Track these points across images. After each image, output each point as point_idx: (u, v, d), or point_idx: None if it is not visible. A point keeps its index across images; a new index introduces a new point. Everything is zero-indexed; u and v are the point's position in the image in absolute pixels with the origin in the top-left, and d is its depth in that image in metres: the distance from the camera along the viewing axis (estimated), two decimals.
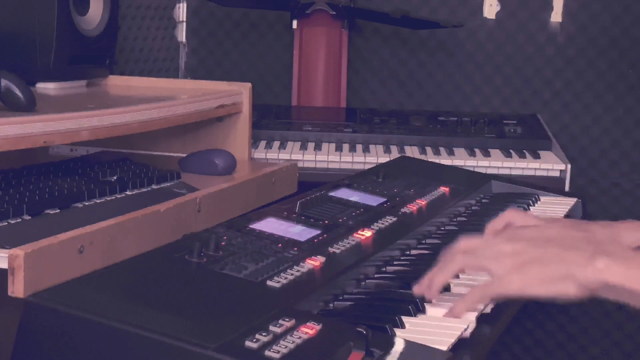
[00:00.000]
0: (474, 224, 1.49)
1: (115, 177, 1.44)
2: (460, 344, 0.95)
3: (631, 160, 2.53)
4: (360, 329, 0.85)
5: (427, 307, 1.03)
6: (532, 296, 0.99)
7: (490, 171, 2.01)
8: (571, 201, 1.69)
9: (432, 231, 1.43)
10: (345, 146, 2.09)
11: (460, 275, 1.17)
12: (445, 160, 2.01)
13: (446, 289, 1.10)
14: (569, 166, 2.02)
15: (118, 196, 1.35)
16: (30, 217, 1.17)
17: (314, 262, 1.11)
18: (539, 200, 1.68)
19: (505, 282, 0.99)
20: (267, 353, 0.82)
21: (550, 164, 2.03)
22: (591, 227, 1.06)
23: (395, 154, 2.04)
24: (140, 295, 0.94)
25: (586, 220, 1.54)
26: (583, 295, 0.98)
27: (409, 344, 0.89)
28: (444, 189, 1.62)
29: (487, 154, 2.08)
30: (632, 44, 2.48)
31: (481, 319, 1.03)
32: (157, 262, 1.06)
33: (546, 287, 0.98)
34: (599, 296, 0.98)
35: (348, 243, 1.21)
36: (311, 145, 2.09)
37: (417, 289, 1.06)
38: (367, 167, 1.87)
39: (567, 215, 1.61)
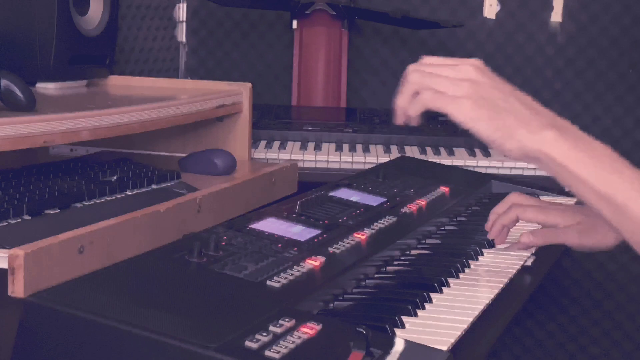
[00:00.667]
0: (474, 224, 1.49)
1: (115, 177, 1.44)
2: (461, 344, 0.95)
3: (631, 160, 2.50)
4: (360, 329, 0.85)
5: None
6: (473, 130, 0.97)
7: (490, 171, 2.01)
8: (571, 201, 1.69)
9: (432, 231, 1.43)
10: (345, 146, 2.09)
11: (461, 276, 1.17)
12: (445, 160, 2.01)
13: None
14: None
15: (118, 196, 1.35)
16: (30, 217, 1.17)
17: (314, 262, 1.11)
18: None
19: (458, 104, 0.97)
20: (267, 353, 0.82)
21: None
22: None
23: (395, 154, 2.04)
24: (140, 295, 0.94)
25: None
26: (517, 157, 0.97)
27: (409, 344, 0.89)
28: (444, 189, 1.63)
29: (487, 154, 2.08)
30: (632, 44, 2.48)
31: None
32: (157, 262, 1.06)
33: (491, 130, 0.96)
34: (531, 162, 0.97)
35: (348, 243, 1.21)
36: (311, 145, 2.09)
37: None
38: (367, 167, 1.87)
39: None
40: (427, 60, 1.04)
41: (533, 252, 1.35)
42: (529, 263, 1.32)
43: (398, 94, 1.04)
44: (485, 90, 0.98)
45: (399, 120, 1.05)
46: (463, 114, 0.97)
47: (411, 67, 1.05)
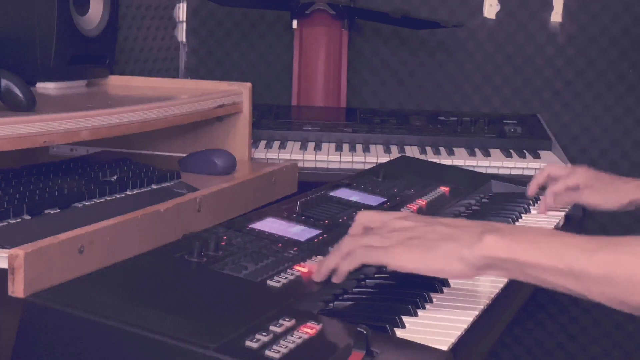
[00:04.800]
0: None
1: (115, 177, 1.44)
2: (461, 344, 0.95)
3: (631, 160, 2.53)
4: (360, 329, 0.85)
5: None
6: (414, 271, 1.00)
7: (490, 171, 2.01)
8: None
9: None
10: (345, 146, 2.09)
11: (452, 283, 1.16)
12: (445, 160, 2.01)
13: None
14: (569, 166, 2.02)
15: (118, 196, 1.35)
16: (30, 217, 1.17)
17: (314, 262, 1.10)
18: (539, 200, 1.68)
19: (391, 253, 1.00)
20: (267, 353, 0.82)
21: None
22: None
23: (395, 154, 2.04)
24: (140, 295, 0.94)
25: (585, 219, 1.56)
26: (469, 274, 0.98)
27: (409, 344, 0.89)
28: (444, 189, 1.62)
29: (487, 154, 2.08)
30: (632, 44, 2.48)
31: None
32: (157, 262, 1.06)
33: (430, 262, 0.99)
34: (487, 274, 0.99)
35: None
36: (311, 145, 2.09)
37: (317, 277, 1.06)
38: (367, 167, 1.87)
39: (567, 215, 1.62)
40: (360, 218, 1.09)
41: None
42: None
43: (327, 258, 1.06)
44: (411, 232, 1.02)
45: (320, 276, 1.06)
46: (397, 259, 1.00)
47: (350, 231, 1.09)
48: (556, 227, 1.52)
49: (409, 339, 0.91)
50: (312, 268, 1.08)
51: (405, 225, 1.03)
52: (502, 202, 1.66)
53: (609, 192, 1.52)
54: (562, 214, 1.60)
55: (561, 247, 0.94)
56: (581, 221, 1.65)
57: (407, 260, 1.00)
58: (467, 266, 0.98)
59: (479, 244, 0.97)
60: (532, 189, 1.65)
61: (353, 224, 1.10)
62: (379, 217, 1.08)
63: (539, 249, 0.95)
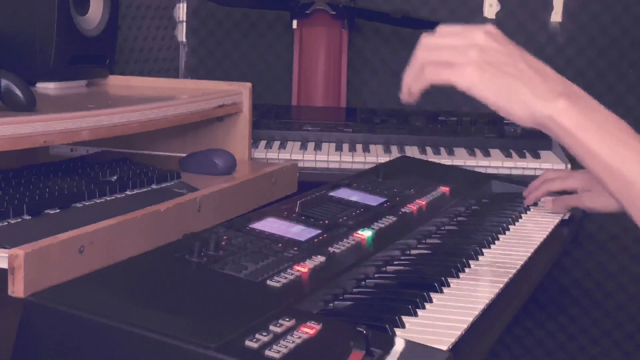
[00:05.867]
0: (474, 224, 1.49)
1: (115, 177, 1.44)
2: (460, 344, 0.95)
3: None
4: (360, 329, 0.85)
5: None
6: (480, 97, 0.94)
7: (490, 171, 2.01)
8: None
9: (432, 231, 1.43)
10: (345, 146, 2.09)
11: (461, 275, 1.17)
12: (445, 160, 2.01)
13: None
14: (569, 166, 2.02)
15: (118, 196, 1.35)
16: (30, 217, 1.17)
17: (314, 262, 1.11)
18: (539, 199, 1.68)
19: (463, 72, 0.94)
20: (268, 353, 0.82)
21: (551, 164, 2.03)
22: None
23: (395, 154, 2.04)
24: (140, 295, 0.94)
25: (587, 221, 1.56)
26: (526, 123, 0.94)
27: (409, 344, 0.89)
28: (444, 189, 1.62)
29: (487, 154, 2.08)
30: (632, 44, 2.48)
31: None
32: (157, 262, 1.06)
33: (498, 97, 0.94)
34: (540, 128, 0.94)
35: (348, 243, 1.21)
36: (311, 145, 2.09)
37: (404, 97, 1.04)
38: (367, 167, 1.87)
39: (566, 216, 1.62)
40: (440, 30, 0.99)
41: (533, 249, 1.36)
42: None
43: (407, 68, 1.01)
44: (491, 55, 0.95)
45: (404, 96, 1.03)
46: (466, 80, 0.94)
47: (422, 40, 1.00)
48: (555, 228, 1.52)
49: (408, 339, 0.91)
50: None
51: (488, 45, 0.95)
52: (502, 202, 1.66)
53: (609, 195, 1.52)
54: (561, 216, 1.60)
55: (627, 150, 0.91)
56: (581, 221, 1.65)
57: (474, 83, 0.93)
58: (530, 117, 0.93)
59: (550, 103, 0.92)
60: (530, 200, 1.65)
61: (429, 34, 1.00)
62: (460, 28, 0.98)
63: (603, 139, 0.91)
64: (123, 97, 1.75)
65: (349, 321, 0.93)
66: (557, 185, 1.60)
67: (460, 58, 0.95)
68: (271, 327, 0.87)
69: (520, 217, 1.56)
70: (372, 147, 2.10)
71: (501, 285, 1.17)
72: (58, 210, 1.22)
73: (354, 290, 1.11)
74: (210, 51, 2.65)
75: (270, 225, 1.24)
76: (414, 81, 1.00)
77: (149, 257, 1.07)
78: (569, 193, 1.61)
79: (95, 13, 1.75)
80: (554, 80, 0.95)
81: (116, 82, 1.84)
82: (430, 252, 1.32)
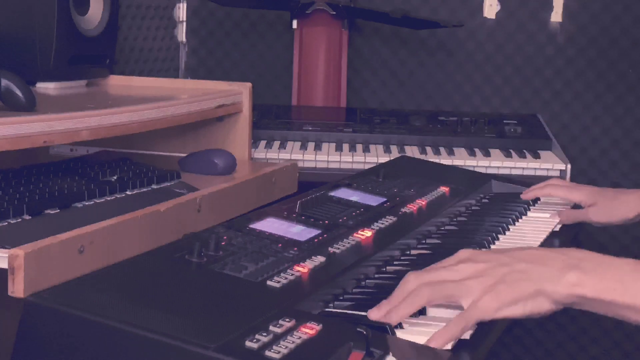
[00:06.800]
0: (474, 224, 1.49)
1: (115, 177, 1.44)
2: (461, 344, 0.95)
3: (631, 160, 2.53)
4: (360, 329, 0.85)
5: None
6: (508, 317, 0.95)
7: (490, 171, 2.01)
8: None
9: (432, 231, 1.43)
10: (345, 146, 2.09)
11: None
12: (445, 160, 2.01)
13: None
14: (569, 166, 2.02)
15: (118, 196, 1.35)
16: (30, 217, 1.17)
17: (314, 262, 1.10)
18: (539, 199, 1.68)
19: (481, 306, 0.94)
20: (267, 353, 0.82)
21: (550, 164, 2.03)
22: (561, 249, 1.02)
23: (395, 154, 2.04)
24: (140, 295, 0.94)
25: (583, 224, 1.57)
26: (557, 309, 0.97)
27: (409, 344, 0.89)
28: (444, 189, 1.62)
29: (487, 154, 2.08)
30: (632, 44, 2.48)
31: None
32: (157, 262, 1.06)
33: (521, 307, 0.95)
34: (573, 308, 0.97)
35: (348, 243, 1.21)
36: (311, 145, 2.09)
37: (374, 315, 0.97)
38: (367, 167, 1.87)
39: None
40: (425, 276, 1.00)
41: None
42: None
43: (400, 303, 0.97)
44: (492, 277, 0.96)
45: (378, 316, 0.97)
46: (490, 310, 0.94)
47: (414, 280, 0.99)
48: (553, 231, 1.52)
49: (409, 339, 0.91)
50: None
51: (478, 270, 0.97)
52: (502, 202, 1.66)
53: (614, 209, 1.53)
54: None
55: None
56: (580, 225, 1.64)
57: (497, 308, 0.94)
58: (555, 304, 0.96)
59: (563, 281, 0.94)
60: (528, 195, 1.65)
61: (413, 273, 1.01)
62: (439, 265, 1.01)
63: (624, 288, 0.94)
64: (123, 97, 1.75)
65: (349, 321, 0.93)
66: (561, 193, 1.60)
67: (469, 294, 0.96)
68: (271, 328, 0.87)
69: (521, 217, 1.56)
70: (372, 147, 2.10)
71: None
72: (58, 210, 1.22)
73: (354, 290, 1.11)
74: (210, 51, 2.65)
75: (270, 225, 1.24)
76: (404, 305, 0.97)
77: (149, 257, 1.07)
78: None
79: (95, 13, 1.75)
80: (552, 259, 0.97)
81: (116, 82, 1.84)
82: (430, 252, 1.32)
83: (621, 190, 1.59)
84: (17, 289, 0.94)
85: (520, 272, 0.96)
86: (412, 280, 0.99)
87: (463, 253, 1.01)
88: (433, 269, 1.01)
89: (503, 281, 0.95)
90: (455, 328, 0.93)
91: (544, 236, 1.46)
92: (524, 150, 2.12)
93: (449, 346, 0.93)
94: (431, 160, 1.99)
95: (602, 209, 1.53)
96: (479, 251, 1.03)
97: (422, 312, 1.03)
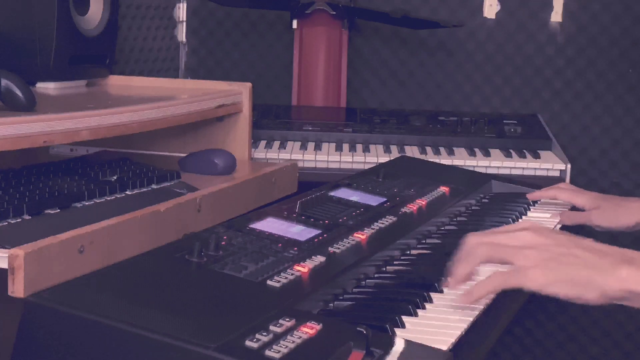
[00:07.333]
0: (474, 224, 1.49)
1: (115, 177, 1.44)
2: (461, 344, 0.95)
3: (631, 160, 2.53)
4: (360, 329, 0.85)
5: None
6: (551, 294, 0.97)
7: (490, 171, 2.01)
8: None
9: (432, 231, 1.43)
10: (345, 146, 2.09)
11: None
12: (445, 160, 2.01)
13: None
14: (569, 166, 2.02)
15: (118, 196, 1.35)
16: (30, 217, 1.17)
17: (314, 262, 1.10)
18: (539, 200, 1.68)
19: (529, 275, 0.97)
20: (268, 353, 0.82)
21: (550, 164, 2.03)
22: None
23: (395, 154, 2.04)
24: (140, 295, 0.94)
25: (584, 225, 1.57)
26: (603, 302, 0.97)
27: (409, 344, 0.89)
28: (444, 189, 1.62)
29: (487, 154, 2.08)
30: (632, 44, 2.48)
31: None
32: (157, 262, 1.06)
33: (568, 289, 0.97)
34: (622, 303, 0.97)
35: (348, 243, 1.21)
36: (311, 145, 2.09)
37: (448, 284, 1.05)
38: (367, 167, 1.87)
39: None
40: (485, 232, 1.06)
41: None
42: None
43: (458, 262, 1.04)
44: (548, 253, 0.99)
45: (453, 285, 1.06)
46: (535, 283, 0.97)
47: (472, 239, 1.04)
48: (556, 227, 1.52)
49: (409, 339, 0.91)
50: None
51: (540, 243, 1.00)
52: (502, 202, 1.66)
53: (617, 215, 1.54)
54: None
55: None
56: (580, 228, 1.64)
57: (545, 284, 0.97)
58: (603, 296, 0.96)
59: (615, 275, 0.95)
60: (534, 195, 1.66)
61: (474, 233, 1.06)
62: (504, 228, 1.05)
63: None
64: (123, 97, 1.75)
65: (349, 321, 0.93)
66: (566, 197, 1.61)
67: (521, 260, 0.99)
68: (271, 327, 0.87)
69: (521, 217, 1.56)
70: (372, 147, 2.10)
71: None
72: (58, 210, 1.22)
73: (354, 290, 1.11)
74: (210, 51, 2.65)
75: (270, 225, 1.24)
76: (479, 285, 1.02)
77: (149, 257, 1.07)
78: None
79: (95, 13, 1.75)
80: (608, 253, 0.99)
81: (116, 82, 1.84)
82: (430, 252, 1.32)
83: (626, 198, 1.60)
84: (17, 289, 0.94)
85: (576, 257, 0.98)
86: (472, 240, 1.03)
87: (525, 223, 1.05)
88: (494, 232, 1.05)
89: (558, 260, 0.98)
90: (489, 285, 0.99)
91: None
92: (524, 150, 2.12)
93: (480, 305, 0.97)
94: (431, 160, 1.98)
95: (605, 213, 1.54)
96: (542, 226, 1.05)
97: (422, 307, 1.03)
